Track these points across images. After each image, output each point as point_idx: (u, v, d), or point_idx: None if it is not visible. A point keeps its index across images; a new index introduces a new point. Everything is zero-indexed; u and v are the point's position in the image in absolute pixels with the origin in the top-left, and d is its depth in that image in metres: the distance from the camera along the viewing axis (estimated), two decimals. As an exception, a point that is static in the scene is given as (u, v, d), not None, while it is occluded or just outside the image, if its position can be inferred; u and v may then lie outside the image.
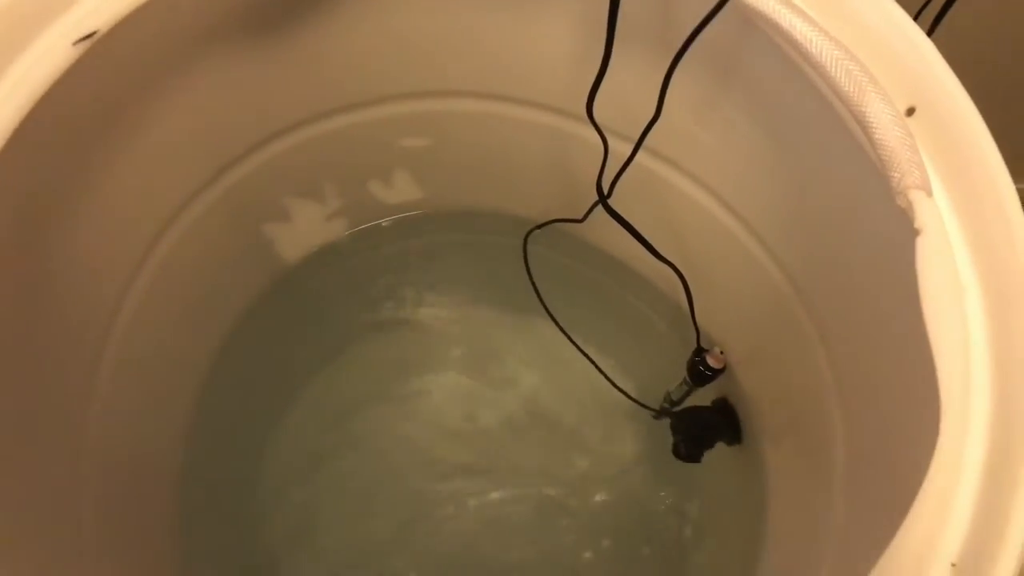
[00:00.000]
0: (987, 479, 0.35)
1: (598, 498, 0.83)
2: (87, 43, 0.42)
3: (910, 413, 0.46)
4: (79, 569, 0.56)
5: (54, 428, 0.55)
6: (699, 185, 0.66)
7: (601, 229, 0.74)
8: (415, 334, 0.89)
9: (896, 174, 0.39)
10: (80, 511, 0.56)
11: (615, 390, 0.83)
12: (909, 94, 0.42)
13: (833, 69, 0.41)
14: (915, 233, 0.38)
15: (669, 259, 0.66)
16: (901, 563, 0.33)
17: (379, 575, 0.80)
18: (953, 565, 0.33)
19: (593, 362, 0.83)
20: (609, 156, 0.60)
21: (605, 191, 0.62)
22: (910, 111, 0.41)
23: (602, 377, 0.83)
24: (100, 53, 0.43)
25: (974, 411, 0.36)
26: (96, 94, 0.47)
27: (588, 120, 0.57)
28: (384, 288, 0.89)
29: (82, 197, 0.52)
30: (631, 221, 0.63)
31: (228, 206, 0.68)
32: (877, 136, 0.40)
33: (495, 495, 0.83)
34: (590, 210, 0.68)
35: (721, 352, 0.72)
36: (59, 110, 0.42)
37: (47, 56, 0.41)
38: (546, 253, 0.83)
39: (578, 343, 0.83)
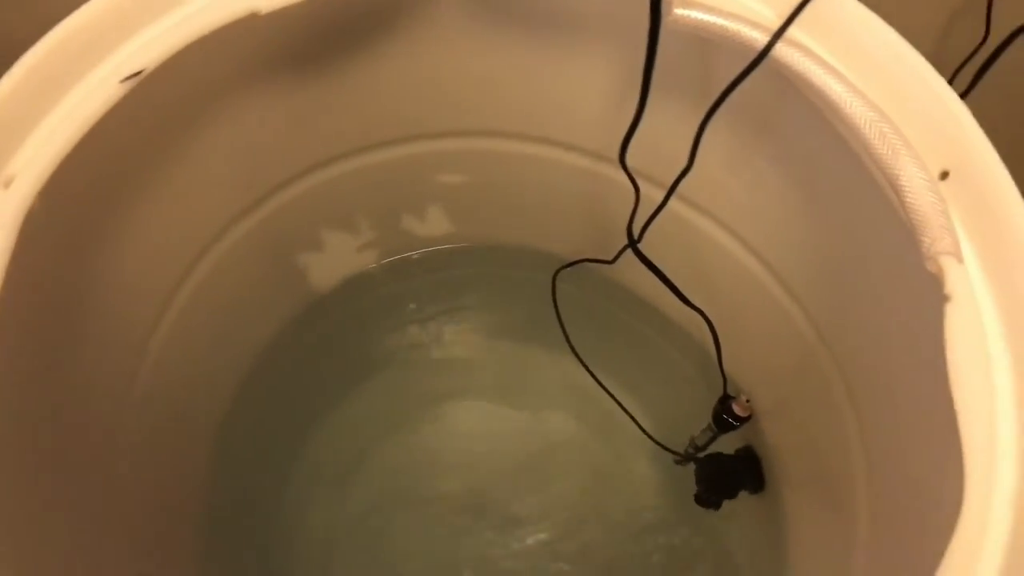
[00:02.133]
0: (1011, 555, 0.34)
1: (615, 540, 0.82)
2: (134, 81, 0.43)
3: (935, 474, 0.46)
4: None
5: (86, 452, 0.56)
6: (729, 233, 0.66)
7: (631, 270, 0.74)
8: (440, 365, 0.89)
9: (927, 239, 0.39)
10: (108, 538, 0.57)
11: (638, 431, 0.83)
12: (942, 158, 0.42)
13: (867, 130, 0.41)
14: (944, 299, 0.38)
15: (698, 305, 0.66)
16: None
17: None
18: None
19: (618, 402, 0.83)
20: (640, 201, 0.60)
21: (636, 236, 0.62)
22: (943, 175, 0.41)
23: (625, 417, 0.83)
24: (146, 89, 0.44)
25: (999, 484, 0.36)
26: (141, 127, 0.49)
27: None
28: (411, 319, 0.90)
29: (124, 224, 0.53)
30: (661, 265, 0.63)
31: (264, 235, 0.69)
32: (909, 200, 0.40)
33: (511, 529, 0.83)
34: (620, 253, 0.69)
35: (748, 400, 0.71)
36: (105, 143, 0.43)
37: (96, 92, 0.42)
38: (575, 291, 0.83)
39: (603, 382, 0.83)
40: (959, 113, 0.42)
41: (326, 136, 0.66)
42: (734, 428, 0.73)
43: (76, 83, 0.43)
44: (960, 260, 0.38)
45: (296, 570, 0.80)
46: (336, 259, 0.82)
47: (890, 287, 0.49)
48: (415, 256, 0.88)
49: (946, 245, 0.38)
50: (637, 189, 0.59)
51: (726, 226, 0.66)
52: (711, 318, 0.67)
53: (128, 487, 0.61)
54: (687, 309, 0.66)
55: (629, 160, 0.57)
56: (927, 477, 0.47)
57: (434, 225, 0.83)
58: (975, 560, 0.34)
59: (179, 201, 0.58)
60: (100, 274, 0.53)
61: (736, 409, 0.71)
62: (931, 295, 0.40)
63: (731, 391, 0.72)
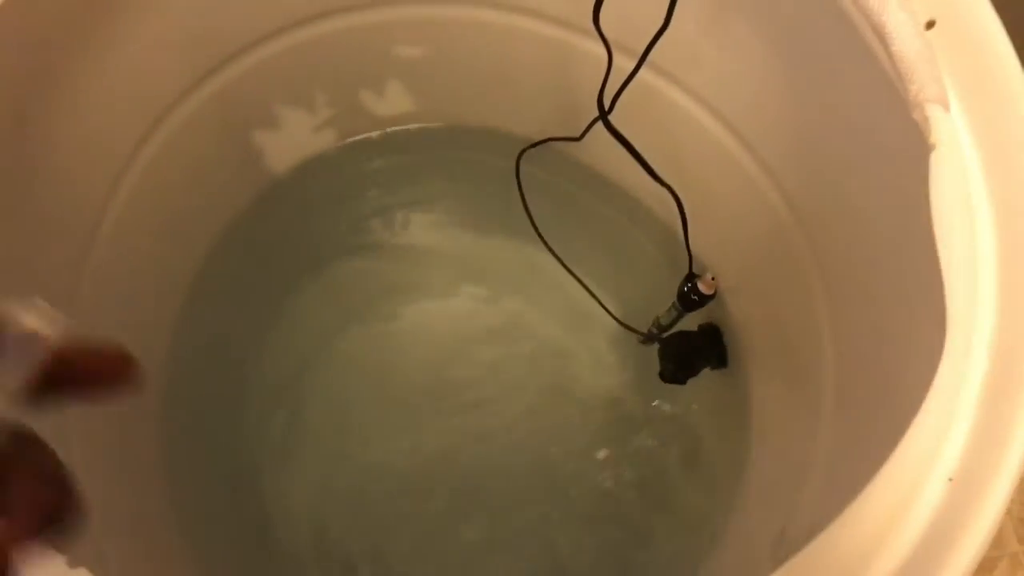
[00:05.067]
0: (987, 396, 0.35)
1: (578, 420, 0.83)
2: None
3: (907, 338, 0.46)
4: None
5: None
6: (701, 103, 0.64)
7: (597, 150, 0.72)
8: (402, 252, 0.88)
9: (914, 87, 0.38)
10: (65, 432, 0.55)
11: (602, 314, 0.83)
12: (930, 5, 0.40)
13: (853, -24, 0.40)
14: (929, 149, 0.37)
15: (666, 181, 0.65)
16: (898, 477, 0.33)
17: (360, 489, 0.81)
18: (950, 480, 0.33)
19: (583, 284, 0.82)
20: (611, 71, 0.58)
21: (606, 106, 0.60)
22: (930, 24, 0.40)
23: (590, 301, 0.82)
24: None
25: (978, 330, 0.36)
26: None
27: (590, 32, 0.55)
28: (372, 203, 0.87)
29: (64, 93, 0.50)
30: (630, 141, 0.62)
31: (216, 111, 0.66)
32: (895, 48, 0.38)
33: (478, 413, 0.83)
34: (589, 127, 0.67)
35: (713, 278, 0.71)
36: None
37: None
38: (539, 174, 0.81)
39: (568, 265, 0.83)
40: (948, -42, 0.40)
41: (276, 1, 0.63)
42: (699, 306, 0.73)
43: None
44: (947, 109, 0.38)
45: (258, 457, 0.80)
46: (293, 139, 0.78)
47: (867, 147, 0.48)
48: (375, 137, 0.85)
49: (933, 93, 0.38)
50: (610, 52, 0.57)
51: (698, 96, 0.64)
52: (679, 194, 0.66)
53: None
54: (654, 188, 0.65)
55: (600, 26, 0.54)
56: (898, 339, 0.48)
57: (394, 103, 0.80)
58: (953, 404, 0.34)
59: (123, 70, 0.55)
60: (44, 145, 0.50)
61: (701, 287, 0.71)
62: (913, 148, 0.39)
63: (696, 270, 0.72)
